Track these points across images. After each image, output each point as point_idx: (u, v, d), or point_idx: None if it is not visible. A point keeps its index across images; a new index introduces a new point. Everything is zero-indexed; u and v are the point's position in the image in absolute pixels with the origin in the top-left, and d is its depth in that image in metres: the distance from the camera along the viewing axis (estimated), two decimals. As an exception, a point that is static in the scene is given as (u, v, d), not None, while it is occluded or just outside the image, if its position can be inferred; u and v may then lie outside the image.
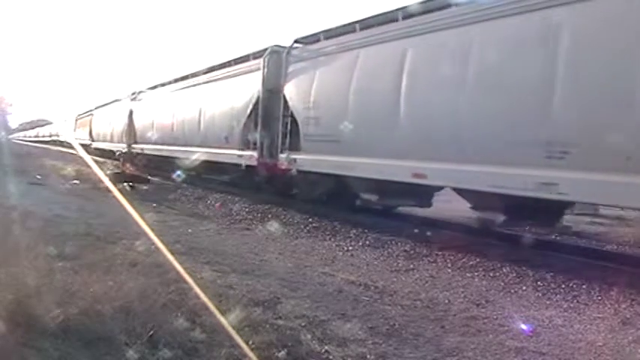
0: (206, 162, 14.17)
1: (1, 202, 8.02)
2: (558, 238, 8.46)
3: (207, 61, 15.71)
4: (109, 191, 10.70)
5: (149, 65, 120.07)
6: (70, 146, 31.20)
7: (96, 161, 19.12)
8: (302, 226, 8.60)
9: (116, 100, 24.82)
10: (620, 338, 3.87)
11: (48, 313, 3.14)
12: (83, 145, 27.26)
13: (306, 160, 10.17)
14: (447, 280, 5.53)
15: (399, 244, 7.20)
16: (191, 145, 14.96)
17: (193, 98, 15.66)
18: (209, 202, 11.56)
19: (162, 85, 19.19)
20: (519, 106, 6.45)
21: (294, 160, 10.47)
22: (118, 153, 20.87)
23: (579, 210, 9.55)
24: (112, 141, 24.74)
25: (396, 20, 8.48)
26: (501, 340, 3.71)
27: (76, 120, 36.96)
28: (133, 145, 20.73)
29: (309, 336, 3.46)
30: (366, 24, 9.21)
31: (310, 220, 8.98)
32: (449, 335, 3.80)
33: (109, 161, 21.26)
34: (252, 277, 4.97)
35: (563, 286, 5.31)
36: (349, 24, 9.62)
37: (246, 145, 12.22)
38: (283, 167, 10.80)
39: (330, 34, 10.12)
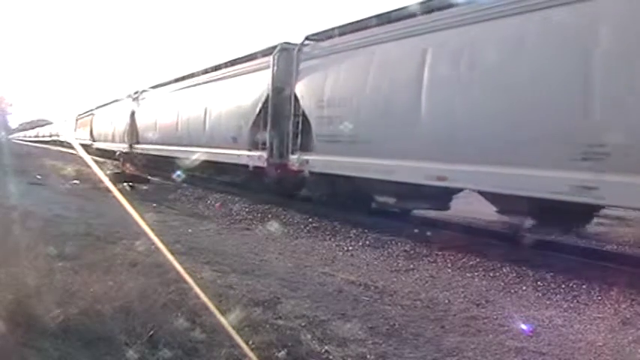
0: (211, 163, 13.83)
1: (1, 202, 8.05)
2: (558, 238, 8.44)
3: (212, 60, 15.37)
4: (109, 191, 10.71)
5: (151, 64, 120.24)
6: (70, 146, 31.22)
7: (96, 161, 19.12)
8: (302, 226, 8.60)
9: (118, 100, 24.65)
10: (620, 338, 3.87)
11: (48, 313, 3.15)
12: (84, 145, 27.24)
13: (319, 161, 9.78)
14: (447, 280, 5.53)
15: (399, 244, 7.20)
16: (196, 146, 14.50)
17: (198, 97, 15.18)
18: (209, 202, 11.56)
19: (166, 84, 18.66)
20: (553, 104, 6.07)
21: (306, 161, 10.07)
22: (117, 153, 20.79)
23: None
24: (113, 141, 24.62)
25: (414, 15, 8.05)
26: (501, 340, 3.71)
27: (77, 120, 36.96)
28: (135, 145, 20.52)
29: (309, 336, 3.46)
30: (382, 20, 8.82)
31: (310, 220, 8.98)
32: (449, 335, 3.80)
33: (109, 161, 21.26)
34: (252, 277, 4.97)
35: (563, 286, 5.30)
36: (363, 20, 9.26)
37: (254, 145, 11.80)
38: (294, 168, 10.43)
39: (343, 30, 9.67)
